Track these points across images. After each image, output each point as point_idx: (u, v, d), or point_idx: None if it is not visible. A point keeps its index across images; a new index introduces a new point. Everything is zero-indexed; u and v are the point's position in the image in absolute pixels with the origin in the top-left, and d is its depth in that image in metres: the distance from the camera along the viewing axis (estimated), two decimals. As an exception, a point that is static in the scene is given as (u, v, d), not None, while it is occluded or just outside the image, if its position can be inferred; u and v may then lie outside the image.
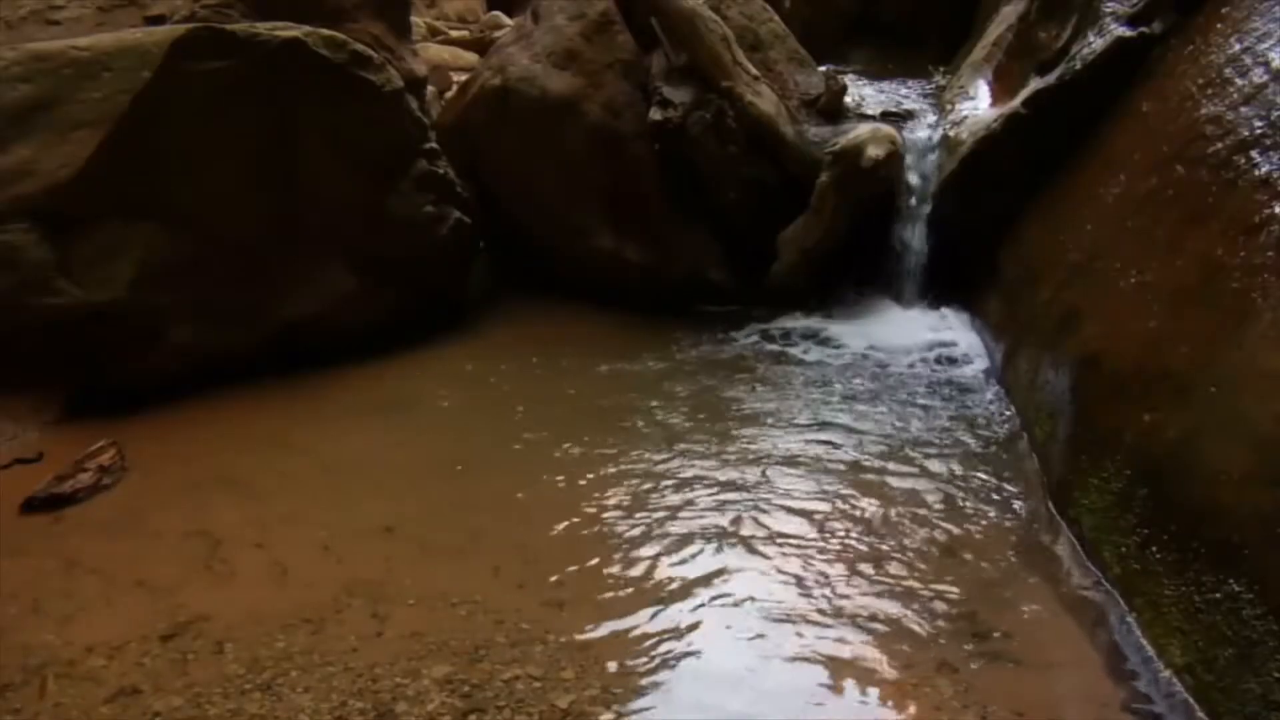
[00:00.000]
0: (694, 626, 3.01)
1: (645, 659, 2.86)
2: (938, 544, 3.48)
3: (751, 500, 3.79)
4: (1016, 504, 3.77)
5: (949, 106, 6.09)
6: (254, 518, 3.72)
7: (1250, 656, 2.43)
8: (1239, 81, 3.74)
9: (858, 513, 3.70)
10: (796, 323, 5.85)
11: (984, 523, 3.63)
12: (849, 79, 6.61)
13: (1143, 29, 4.76)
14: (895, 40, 8.04)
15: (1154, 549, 2.95)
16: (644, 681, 2.76)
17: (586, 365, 5.29)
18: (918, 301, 5.88)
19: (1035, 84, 5.27)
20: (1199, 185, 3.61)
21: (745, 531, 3.56)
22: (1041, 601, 3.15)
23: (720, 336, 5.74)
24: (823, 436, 4.36)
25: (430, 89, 7.26)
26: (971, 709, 2.63)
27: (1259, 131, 3.42)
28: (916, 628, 3.01)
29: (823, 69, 6.61)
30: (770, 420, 4.55)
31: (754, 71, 6.05)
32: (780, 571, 3.30)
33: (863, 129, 5.83)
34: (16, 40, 4.93)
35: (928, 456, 4.16)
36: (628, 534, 3.56)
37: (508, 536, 3.57)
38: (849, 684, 2.76)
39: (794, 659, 2.86)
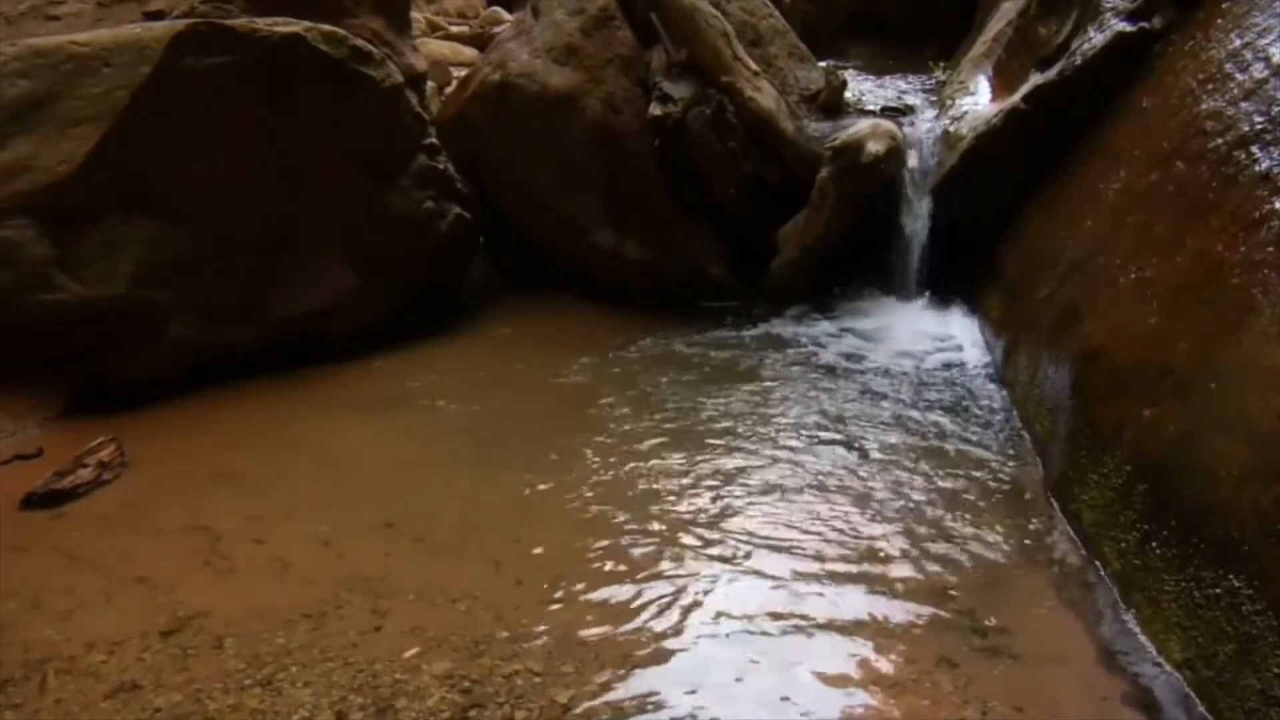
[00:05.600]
0: (693, 622, 3.01)
1: (645, 655, 2.86)
2: (937, 539, 3.48)
3: (749, 496, 3.79)
4: (1016, 500, 3.77)
5: (949, 102, 6.09)
6: (254, 513, 3.72)
7: (1250, 652, 2.43)
8: (1239, 77, 3.73)
9: (855, 508, 3.69)
10: (796, 318, 5.86)
11: (984, 518, 3.63)
12: (849, 74, 6.61)
13: (1143, 24, 4.76)
14: (895, 36, 8.03)
15: (1153, 545, 2.95)
16: (644, 678, 2.76)
17: (586, 362, 5.29)
18: (917, 297, 5.88)
19: (1035, 79, 5.27)
20: (1199, 181, 3.61)
21: (743, 528, 3.56)
22: (1041, 597, 3.15)
23: (721, 333, 5.73)
24: (821, 432, 4.36)
25: (430, 85, 7.26)
26: (971, 704, 2.64)
27: (1259, 127, 3.41)
28: (916, 623, 3.01)
29: (823, 64, 6.61)
30: (769, 416, 4.55)
31: (754, 67, 6.05)
32: (778, 568, 3.30)
33: (863, 124, 5.83)
34: (16, 36, 4.93)
35: (927, 452, 4.16)
36: (626, 530, 3.56)
37: (507, 533, 3.57)
38: (849, 680, 2.76)
39: (793, 655, 2.86)
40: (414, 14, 7.91)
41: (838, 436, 4.32)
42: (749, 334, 5.72)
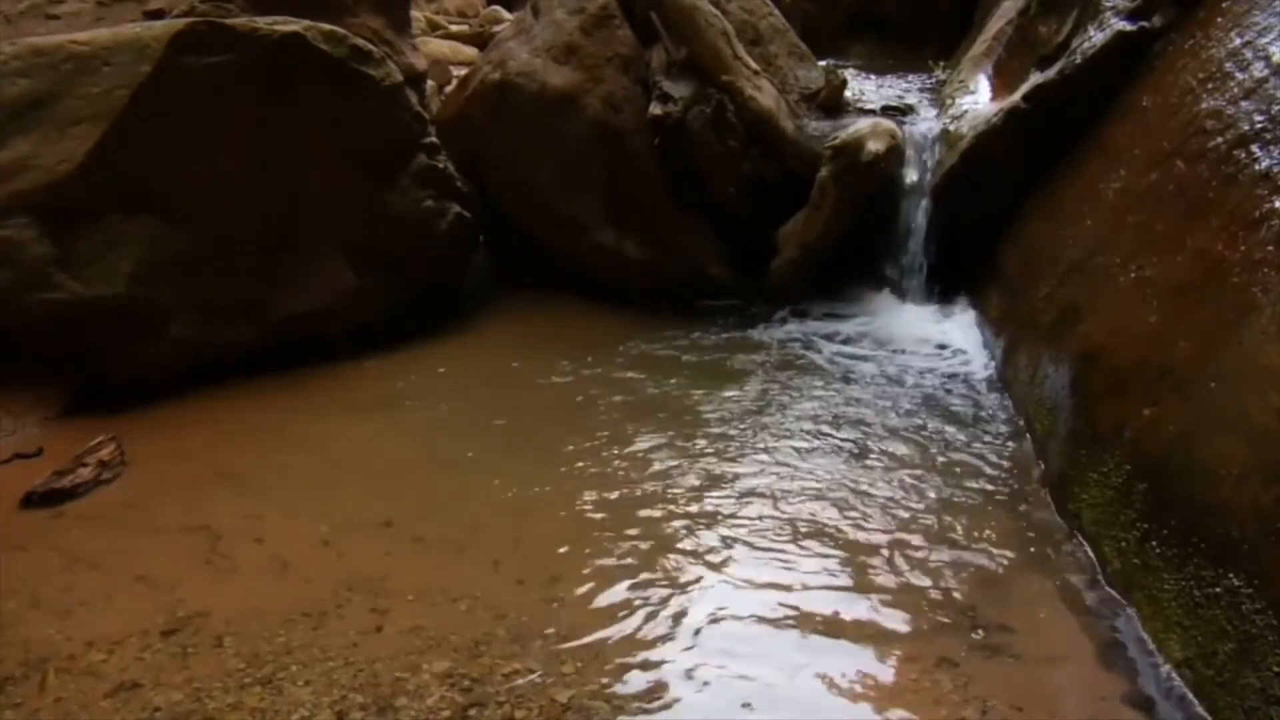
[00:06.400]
0: (693, 621, 3.01)
1: (645, 654, 2.86)
2: (936, 539, 3.48)
3: (749, 495, 3.79)
4: (1016, 499, 3.77)
5: (949, 101, 6.09)
6: (254, 512, 3.72)
7: (1250, 651, 2.43)
8: (1239, 76, 3.73)
9: (855, 507, 3.69)
10: (795, 318, 5.85)
11: (983, 517, 3.62)
12: (849, 73, 6.61)
13: (1143, 23, 4.76)
14: (895, 35, 8.03)
15: (1153, 544, 2.95)
16: (644, 677, 2.76)
17: (585, 361, 5.29)
18: (917, 296, 5.88)
19: (1035, 78, 5.27)
20: (1199, 180, 3.61)
21: (743, 527, 3.56)
22: (1041, 596, 3.15)
23: (720, 333, 5.73)
24: (819, 433, 4.36)
25: (430, 84, 7.26)
26: (971, 703, 2.64)
27: (1259, 126, 3.41)
28: (916, 623, 3.01)
29: (823, 63, 6.61)
30: (767, 416, 4.55)
31: (754, 66, 6.05)
32: (778, 567, 3.30)
33: (863, 124, 5.83)
34: (15, 35, 4.93)
35: (925, 452, 4.16)
36: (626, 529, 3.56)
37: (507, 532, 3.57)
38: (849, 679, 2.76)
39: (793, 654, 2.86)
40: (414, 13, 7.91)
41: (835, 437, 4.32)
42: (748, 334, 5.72)
